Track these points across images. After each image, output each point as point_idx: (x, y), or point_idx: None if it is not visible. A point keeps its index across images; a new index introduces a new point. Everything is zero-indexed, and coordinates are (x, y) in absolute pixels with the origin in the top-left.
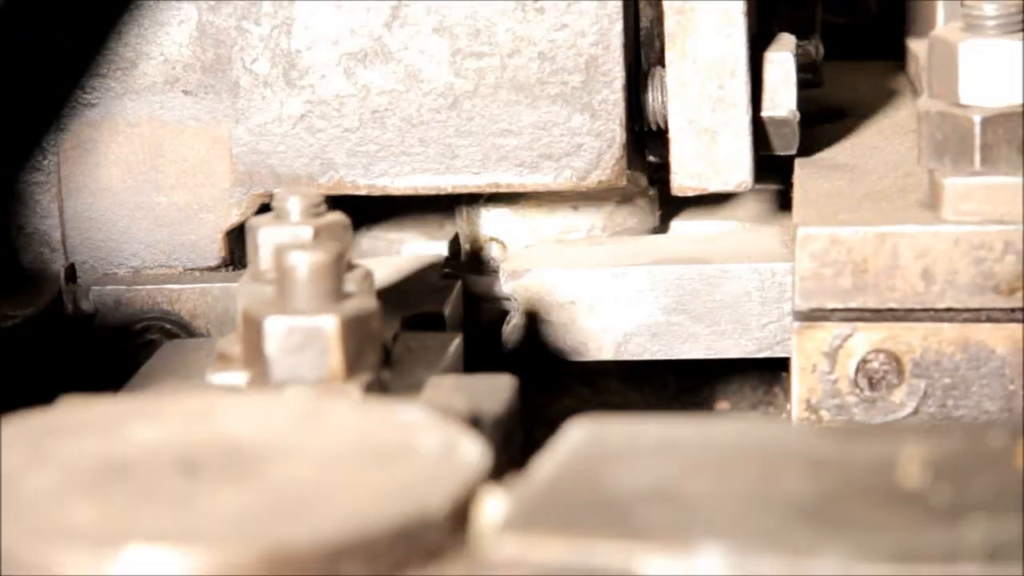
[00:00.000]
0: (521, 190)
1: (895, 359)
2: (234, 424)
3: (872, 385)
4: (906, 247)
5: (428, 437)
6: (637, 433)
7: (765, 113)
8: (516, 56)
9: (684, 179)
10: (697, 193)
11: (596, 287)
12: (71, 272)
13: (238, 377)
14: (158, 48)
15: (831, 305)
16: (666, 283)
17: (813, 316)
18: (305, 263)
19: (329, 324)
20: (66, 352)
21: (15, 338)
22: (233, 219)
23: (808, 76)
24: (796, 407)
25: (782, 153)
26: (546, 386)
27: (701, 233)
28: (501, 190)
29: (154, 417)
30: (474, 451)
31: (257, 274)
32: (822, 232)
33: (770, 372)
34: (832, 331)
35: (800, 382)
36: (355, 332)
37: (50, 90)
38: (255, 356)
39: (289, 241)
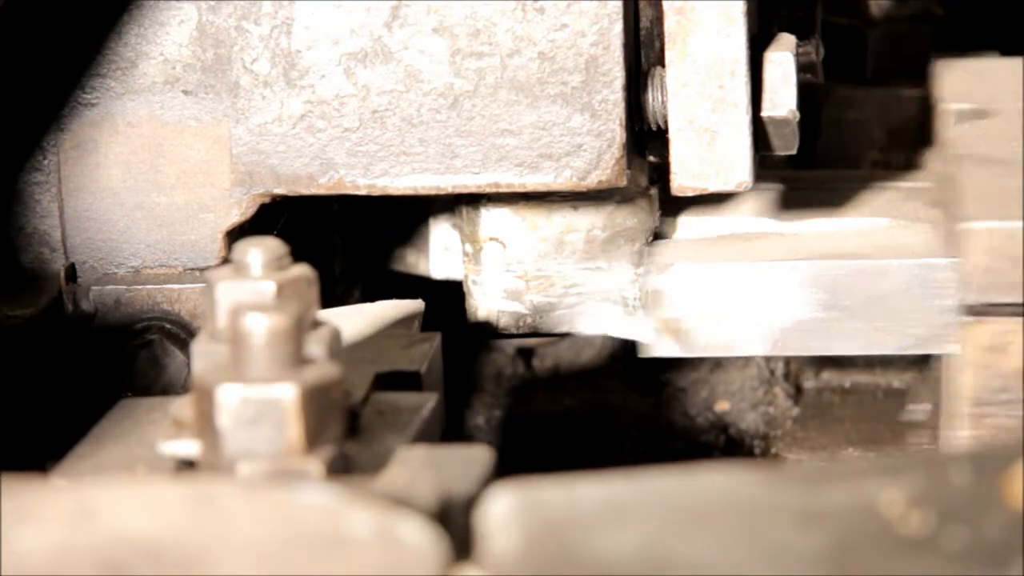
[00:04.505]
0: (521, 190)
1: None
2: (124, 520)
3: None
4: None
5: (353, 520)
6: (574, 497)
7: (765, 113)
8: (516, 56)
9: (684, 179)
10: (697, 193)
11: (749, 281)
12: (71, 272)
13: (191, 447)
14: (158, 48)
15: (1001, 300)
16: (822, 278)
17: (982, 311)
18: (262, 327)
19: (287, 394)
20: (66, 352)
21: (15, 338)
22: (233, 219)
23: (808, 76)
24: (962, 403)
25: (782, 153)
26: (546, 386)
27: (848, 228)
28: (501, 190)
29: (35, 519)
30: (417, 531)
31: (215, 333)
32: (992, 227)
33: (770, 372)
34: (1002, 326)
35: (967, 378)
36: (316, 402)
37: (50, 90)
38: (207, 426)
39: (248, 299)
